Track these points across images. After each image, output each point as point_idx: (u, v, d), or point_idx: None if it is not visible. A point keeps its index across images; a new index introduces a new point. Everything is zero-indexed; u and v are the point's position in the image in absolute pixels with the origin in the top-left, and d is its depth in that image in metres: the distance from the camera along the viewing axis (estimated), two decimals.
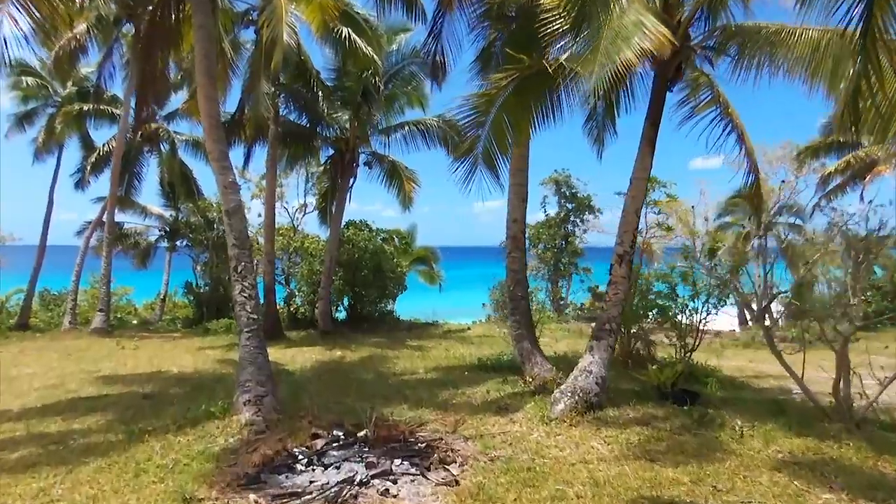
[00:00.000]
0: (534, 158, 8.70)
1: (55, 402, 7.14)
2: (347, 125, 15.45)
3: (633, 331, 10.98)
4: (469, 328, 17.73)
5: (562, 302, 22.27)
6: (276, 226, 19.68)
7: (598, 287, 22.74)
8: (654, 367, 7.37)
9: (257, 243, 17.85)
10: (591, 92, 5.07)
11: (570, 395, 6.13)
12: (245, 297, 6.69)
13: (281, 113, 14.36)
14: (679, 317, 9.22)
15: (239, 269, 6.77)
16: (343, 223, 16.83)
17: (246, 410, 6.12)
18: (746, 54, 6.81)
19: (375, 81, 13.13)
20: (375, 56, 12.76)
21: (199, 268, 22.84)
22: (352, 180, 15.73)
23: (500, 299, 13.19)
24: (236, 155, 21.49)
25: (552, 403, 6.22)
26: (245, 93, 13.04)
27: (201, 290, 22.56)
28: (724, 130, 7.09)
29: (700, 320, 8.69)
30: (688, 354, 8.61)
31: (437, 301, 24.47)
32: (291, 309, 16.84)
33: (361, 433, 5.33)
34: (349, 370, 9.48)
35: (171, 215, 23.10)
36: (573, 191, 22.71)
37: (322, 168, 17.27)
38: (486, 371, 9.22)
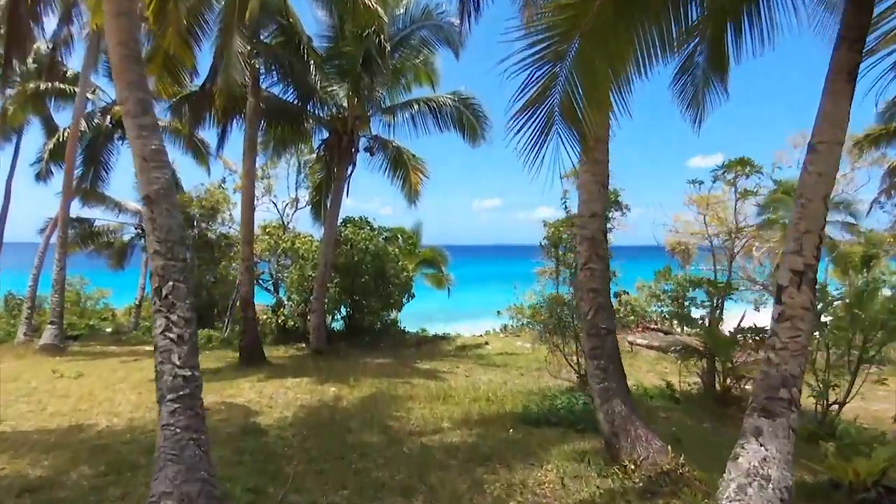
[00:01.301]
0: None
1: None
2: (345, 102, 12.66)
3: (726, 363, 8.34)
4: (486, 343, 15.03)
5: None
6: (264, 223, 16.95)
7: (625, 292, 20.10)
8: (831, 447, 4.60)
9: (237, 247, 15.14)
10: None
11: None
12: (172, 339, 3.94)
13: (262, 84, 11.56)
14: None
15: (164, 293, 4.02)
16: (340, 220, 14.09)
17: None
18: None
19: (380, 43, 10.32)
20: (380, 9, 9.98)
21: None
22: (350, 169, 12.98)
23: (550, 322, 10.47)
24: (210, 136, 18.66)
25: None
26: (216, 56, 10.24)
27: None
28: None
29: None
30: (835, 407, 5.92)
31: (440, 302, 21.69)
32: (279, 320, 14.08)
33: None
34: (345, 424, 6.71)
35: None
36: None
37: (315, 155, 14.47)
38: (540, 426, 6.50)
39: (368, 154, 13.55)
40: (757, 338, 7.98)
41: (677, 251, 20.74)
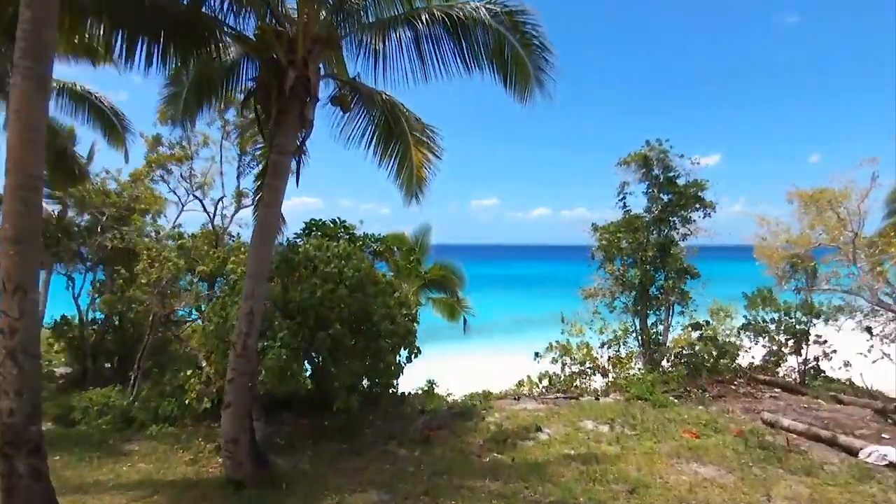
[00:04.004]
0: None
1: None
2: (293, 5, 6.59)
3: None
4: (537, 428, 8.84)
5: (656, 350, 13.49)
6: (173, 230, 10.85)
7: (706, 323, 14.05)
8: None
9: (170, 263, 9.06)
10: None
11: None
12: None
13: None
14: None
15: None
16: (292, 226, 8.03)
17: None
18: None
19: None
20: None
21: (93, 293, 13.94)
22: (302, 134, 6.86)
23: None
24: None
25: None
26: None
27: (89, 328, 13.66)
28: None
29: None
30: None
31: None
32: (187, 401, 7.99)
33: None
34: None
35: (55, 211, 14.06)
36: (672, 174, 13.96)
37: (249, 116, 8.31)
38: None
39: (342, 109, 7.46)
40: None
41: (775, 262, 14.62)
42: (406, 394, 10.82)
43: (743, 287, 14.83)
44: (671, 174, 13.84)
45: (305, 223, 9.71)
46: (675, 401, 10.39)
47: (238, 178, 11.31)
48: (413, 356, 8.57)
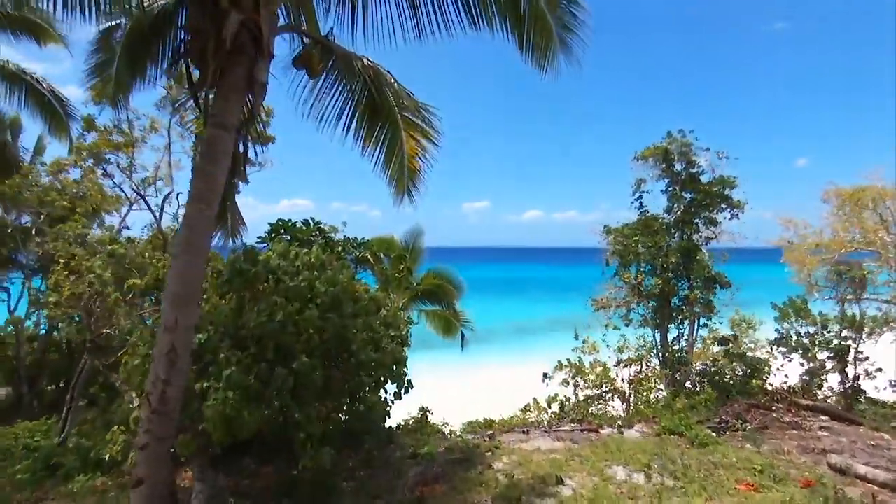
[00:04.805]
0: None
1: None
2: None
3: None
4: (559, 480, 7.06)
5: (679, 369, 11.76)
6: (104, 235, 8.93)
7: (734, 338, 12.36)
8: None
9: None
10: None
11: None
12: None
13: None
14: None
15: None
16: (249, 230, 6.19)
17: None
18: None
19: None
20: None
21: (31, 306, 11.96)
22: (250, 99, 5.03)
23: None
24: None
25: None
26: None
27: (25, 347, 11.67)
28: None
29: None
30: None
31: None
32: (112, 453, 6.08)
33: None
34: None
35: None
36: (696, 170, 12.30)
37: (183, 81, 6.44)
38: None
39: (306, 73, 5.63)
40: None
41: (809, 268, 12.98)
42: (395, 428, 9.01)
43: (761, 294, 13.19)
44: (694, 170, 12.18)
45: (270, 224, 7.87)
46: (714, 435, 8.66)
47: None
48: (403, 391, 6.73)
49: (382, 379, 6.55)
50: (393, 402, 6.80)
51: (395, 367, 6.61)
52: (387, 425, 8.54)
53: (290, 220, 8.01)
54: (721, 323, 12.51)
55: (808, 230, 13.49)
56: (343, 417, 6.24)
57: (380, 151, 7.20)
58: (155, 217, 8.82)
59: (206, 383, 5.44)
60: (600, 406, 10.89)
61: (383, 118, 6.95)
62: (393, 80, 6.71)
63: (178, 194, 8.91)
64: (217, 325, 6.02)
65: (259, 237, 7.74)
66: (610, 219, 13.36)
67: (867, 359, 11.56)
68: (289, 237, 7.95)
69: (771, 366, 11.54)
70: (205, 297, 6.64)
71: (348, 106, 6.64)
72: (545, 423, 10.31)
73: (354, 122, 6.80)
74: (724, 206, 12.11)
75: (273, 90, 5.40)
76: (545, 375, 11.32)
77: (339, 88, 6.43)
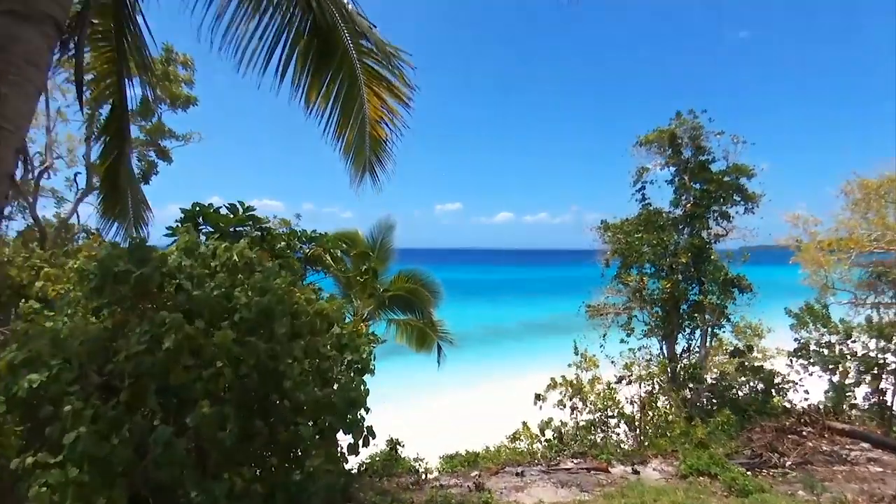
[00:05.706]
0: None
1: None
2: None
3: None
4: None
5: (694, 389, 10.09)
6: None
7: (749, 349, 10.80)
8: None
9: None
10: None
11: None
12: None
13: None
14: None
15: None
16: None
17: None
18: None
19: None
20: None
21: None
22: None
23: None
24: None
25: None
26: None
27: None
28: None
29: None
30: None
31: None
32: None
33: None
34: None
35: None
36: (707, 157, 10.70)
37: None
38: None
39: None
40: None
41: (827, 269, 11.53)
42: (358, 469, 7.00)
43: (764, 297, 11.68)
44: (705, 157, 10.58)
45: (183, 210, 5.79)
46: (753, 476, 6.96)
47: (88, 143, 7.14)
48: (363, 444, 4.74)
49: (329, 426, 4.53)
50: (347, 459, 4.79)
51: (349, 411, 4.60)
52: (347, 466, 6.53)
53: (210, 204, 5.94)
54: (723, 330, 10.99)
55: (818, 227, 12.21)
56: (270, 492, 4.19)
57: (332, 110, 5.24)
58: (27, 204, 6.52)
59: (33, 457, 3.34)
60: (605, 432, 9.12)
61: (336, 63, 5.00)
62: (355, 9, 4.75)
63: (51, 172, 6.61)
64: (73, 356, 3.91)
65: (168, 228, 5.66)
66: (580, 221, 11.70)
67: None
68: (209, 228, 5.87)
69: (795, 382, 10.02)
70: (68, 311, 4.51)
71: (283, 38, 4.63)
72: (540, 455, 8.47)
73: (293, 63, 4.80)
74: (737, 198, 10.55)
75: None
76: (537, 396, 9.47)
77: (267, 8, 4.41)
